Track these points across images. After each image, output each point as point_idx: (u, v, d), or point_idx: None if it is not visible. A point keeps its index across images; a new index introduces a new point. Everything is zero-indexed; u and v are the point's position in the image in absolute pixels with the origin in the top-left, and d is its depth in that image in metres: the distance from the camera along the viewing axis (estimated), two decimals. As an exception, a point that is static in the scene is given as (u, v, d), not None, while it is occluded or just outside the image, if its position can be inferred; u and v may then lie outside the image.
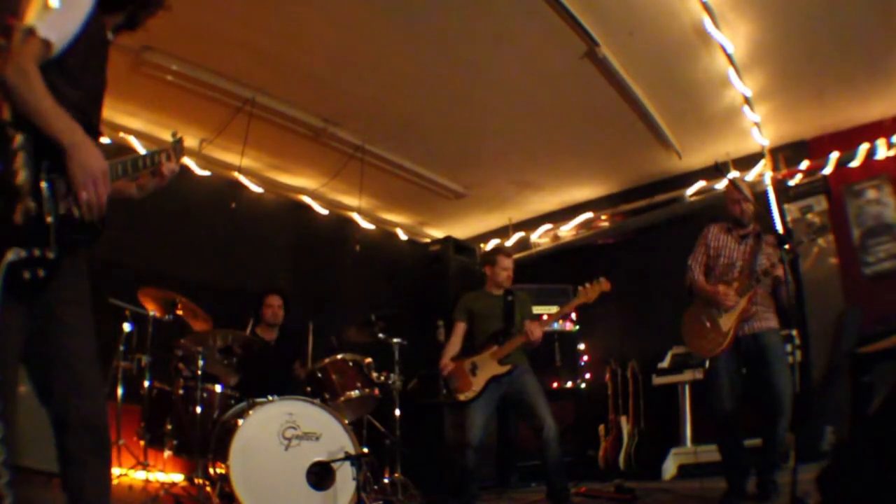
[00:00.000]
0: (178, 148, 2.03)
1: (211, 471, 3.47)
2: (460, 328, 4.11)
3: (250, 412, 3.28)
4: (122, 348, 3.95)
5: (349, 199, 6.42)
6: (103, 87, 1.85)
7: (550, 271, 6.41)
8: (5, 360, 1.52)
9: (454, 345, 4.07)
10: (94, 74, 1.80)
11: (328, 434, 3.42)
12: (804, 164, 5.41)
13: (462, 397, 3.83)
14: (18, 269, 1.49)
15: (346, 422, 3.59)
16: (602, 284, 3.88)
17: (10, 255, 1.47)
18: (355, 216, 6.50)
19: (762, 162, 5.59)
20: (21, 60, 1.56)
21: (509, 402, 3.97)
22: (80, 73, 1.72)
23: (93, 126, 1.74)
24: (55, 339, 1.69)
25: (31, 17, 1.59)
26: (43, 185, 1.56)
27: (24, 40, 1.59)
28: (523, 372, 3.91)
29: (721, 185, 5.60)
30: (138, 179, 1.94)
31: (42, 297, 1.62)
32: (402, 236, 7.34)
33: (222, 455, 3.20)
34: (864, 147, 5.14)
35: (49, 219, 1.56)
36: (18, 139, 1.54)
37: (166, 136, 5.67)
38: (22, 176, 1.54)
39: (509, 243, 7.13)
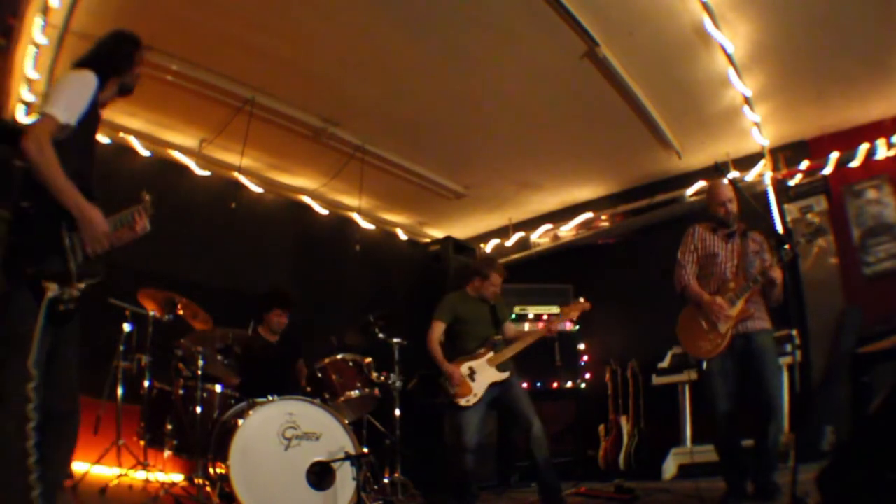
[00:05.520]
0: (146, 207, 2.43)
1: (211, 471, 3.46)
2: (441, 328, 4.03)
3: (250, 412, 3.28)
4: (122, 348, 3.95)
5: (349, 199, 6.42)
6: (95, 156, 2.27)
7: (550, 271, 6.41)
8: (41, 368, 1.95)
9: (440, 347, 3.97)
10: (93, 144, 2.22)
11: (328, 434, 3.41)
12: (804, 164, 5.40)
13: (464, 402, 3.79)
14: (56, 303, 1.99)
15: (346, 422, 3.59)
16: (582, 304, 4.05)
17: (50, 293, 1.97)
18: (355, 216, 6.50)
19: (762, 162, 5.59)
20: (40, 138, 1.96)
21: (499, 406, 3.98)
22: (85, 142, 2.13)
23: (90, 189, 2.14)
24: (57, 349, 2.06)
25: (49, 104, 2.02)
26: (65, 240, 2.05)
27: (42, 119, 1.98)
28: (513, 377, 3.97)
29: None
30: (116, 232, 2.31)
31: None
32: (402, 236, 7.34)
33: (222, 455, 3.19)
34: (864, 147, 5.14)
35: (72, 265, 2.05)
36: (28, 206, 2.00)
37: (166, 136, 5.69)
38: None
39: (509, 243, 7.13)
